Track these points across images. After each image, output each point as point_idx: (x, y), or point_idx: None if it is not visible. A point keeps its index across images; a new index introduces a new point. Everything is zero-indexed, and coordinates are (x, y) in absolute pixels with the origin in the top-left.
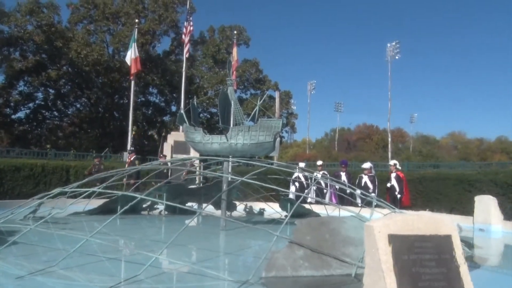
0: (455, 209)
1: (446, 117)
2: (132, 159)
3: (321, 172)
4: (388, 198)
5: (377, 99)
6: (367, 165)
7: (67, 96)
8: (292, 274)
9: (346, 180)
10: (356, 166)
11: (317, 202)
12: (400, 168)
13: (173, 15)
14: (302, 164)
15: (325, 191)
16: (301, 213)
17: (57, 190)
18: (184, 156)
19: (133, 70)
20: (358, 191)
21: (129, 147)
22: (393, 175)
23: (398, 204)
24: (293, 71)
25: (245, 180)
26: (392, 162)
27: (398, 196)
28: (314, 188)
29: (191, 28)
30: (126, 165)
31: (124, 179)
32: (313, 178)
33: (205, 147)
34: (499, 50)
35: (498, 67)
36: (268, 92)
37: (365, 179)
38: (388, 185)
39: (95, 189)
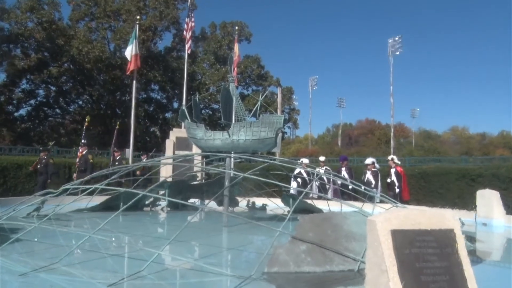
0: (458, 204)
1: (448, 111)
2: (84, 153)
3: (323, 168)
4: (390, 193)
5: (379, 94)
6: (369, 160)
7: (69, 93)
8: (294, 269)
9: (347, 176)
10: (358, 162)
11: (319, 198)
12: (398, 162)
13: (174, 12)
14: (306, 160)
15: (327, 186)
16: (303, 209)
17: (60, 189)
18: (186, 152)
19: (133, 67)
20: (363, 187)
21: (82, 140)
22: (392, 170)
23: (399, 199)
24: (295, 67)
25: (247, 176)
26: (389, 157)
27: (397, 190)
28: (317, 183)
29: (193, 24)
30: (77, 159)
31: (74, 174)
32: (315, 174)
33: (207, 143)
34: (501, 45)
35: (501, 61)
36: (270, 88)
37: (368, 174)
38: (389, 180)
39: (97, 185)
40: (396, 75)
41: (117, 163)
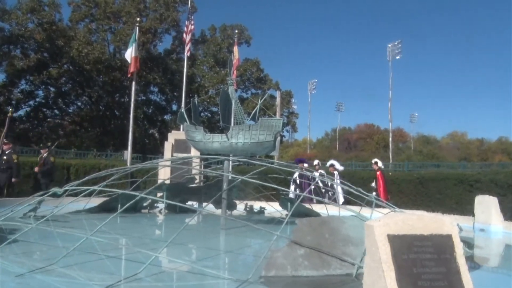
0: (456, 209)
1: (447, 117)
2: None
3: (318, 172)
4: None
5: (378, 99)
6: (328, 163)
7: (68, 94)
8: (292, 273)
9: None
10: (356, 166)
11: (317, 202)
12: (380, 166)
13: (174, 14)
14: (306, 164)
15: (323, 190)
16: (301, 213)
17: (53, 190)
18: (185, 155)
19: (132, 69)
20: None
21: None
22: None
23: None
24: (294, 70)
25: (246, 179)
26: (373, 160)
27: (374, 194)
28: (313, 187)
29: (192, 27)
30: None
31: None
32: (314, 178)
33: (206, 146)
34: (500, 50)
35: (500, 67)
36: (269, 91)
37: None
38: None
39: (95, 187)
40: (395, 80)
41: (5, 157)
